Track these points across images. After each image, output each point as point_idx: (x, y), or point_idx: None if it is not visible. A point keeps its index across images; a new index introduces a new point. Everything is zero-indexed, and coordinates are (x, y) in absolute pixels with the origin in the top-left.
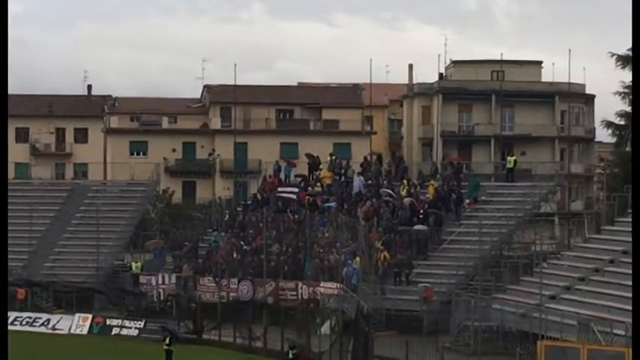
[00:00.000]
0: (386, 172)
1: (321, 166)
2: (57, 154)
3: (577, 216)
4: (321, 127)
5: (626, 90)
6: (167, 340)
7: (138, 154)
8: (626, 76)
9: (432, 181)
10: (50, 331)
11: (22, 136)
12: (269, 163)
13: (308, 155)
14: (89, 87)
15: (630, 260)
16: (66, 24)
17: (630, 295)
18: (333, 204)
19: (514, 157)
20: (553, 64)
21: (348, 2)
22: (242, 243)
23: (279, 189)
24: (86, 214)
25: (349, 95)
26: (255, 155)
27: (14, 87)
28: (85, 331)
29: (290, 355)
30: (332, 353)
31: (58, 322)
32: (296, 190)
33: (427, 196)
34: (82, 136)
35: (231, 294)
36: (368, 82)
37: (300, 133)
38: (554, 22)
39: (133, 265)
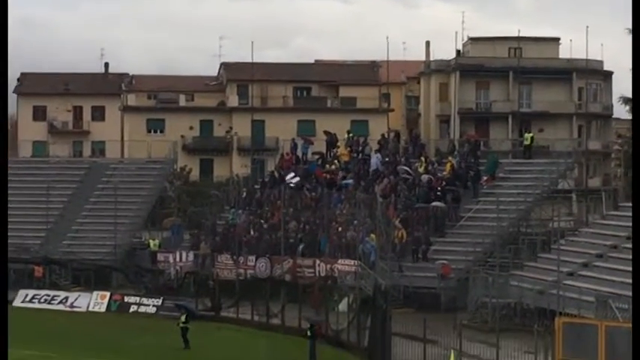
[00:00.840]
0: (403, 149)
1: (338, 144)
2: (74, 132)
3: (595, 192)
4: (339, 104)
5: None
6: (183, 318)
7: (155, 131)
8: None
9: (450, 158)
10: (68, 309)
11: (40, 114)
12: (286, 140)
13: (326, 133)
14: (106, 65)
15: None
16: (82, 1)
17: None
18: (350, 181)
19: (531, 134)
20: (570, 40)
21: None
22: (259, 220)
23: (287, 178)
24: (104, 192)
25: (366, 72)
26: (272, 133)
27: (31, 65)
28: (103, 308)
29: (309, 333)
30: (350, 330)
31: (76, 299)
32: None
33: (444, 173)
34: (99, 114)
35: (249, 271)
36: (385, 59)
37: (317, 110)
38: None
39: (151, 242)
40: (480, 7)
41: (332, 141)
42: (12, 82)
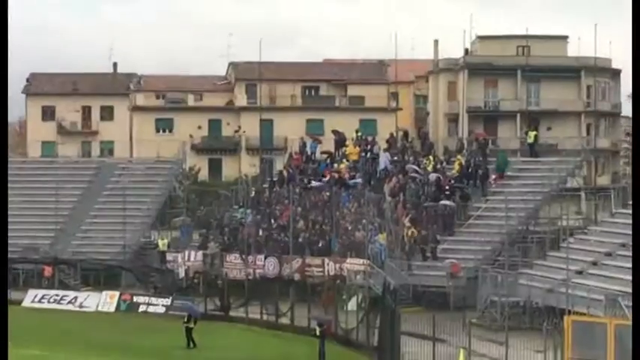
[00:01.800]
0: (411, 147)
1: (347, 143)
2: (83, 132)
3: (603, 191)
4: (347, 103)
5: None
6: (185, 318)
7: (164, 131)
8: None
9: (458, 157)
10: (77, 309)
11: (49, 114)
12: (295, 139)
13: (334, 132)
14: (115, 65)
15: None
16: (91, 2)
17: None
18: (359, 180)
19: (534, 132)
20: (579, 38)
21: None
22: (268, 220)
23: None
24: (113, 191)
25: (375, 71)
26: (280, 132)
27: (40, 65)
28: (112, 308)
29: (317, 332)
30: (359, 329)
31: (85, 299)
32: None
33: (453, 171)
34: (107, 114)
35: (258, 271)
36: (393, 58)
37: (325, 109)
38: None
39: (160, 242)
40: (488, 5)
41: (341, 140)
42: (21, 83)
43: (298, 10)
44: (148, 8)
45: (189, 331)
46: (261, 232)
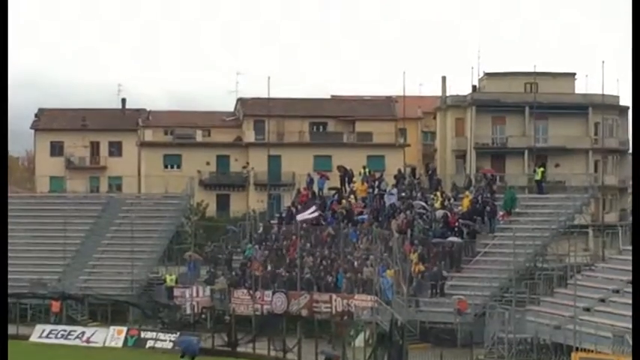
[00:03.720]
0: (419, 184)
1: (354, 179)
2: (91, 167)
3: (611, 228)
4: (355, 139)
5: None
6: (181, 354)
7: (172, 167)
8: None
9: (466, 193)
10: (85, 344)
11: (57, 149)
12: (303, 175)
13: (339, 168)
14: (123, 100)
15: None
16: (100, 37)
17: None
18: (366, 216)
19: (541, 169)
20: (586, 75)
21: (381, 12)
22: (276, 255)
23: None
24: (121, 227)
25: (382, 108)
26: (288, 168)
27: (49, 102)
28: (119, 343)
29: None
30: None
31: (92, 334)
32: (313, 209)
33: (461, 208)
34: (116, 149)
35: (266, 306)
36: (401, 94)
37: (333, 145)
38: (587, 33)
39: (168, 277)
40: (495, 42)
41: (347, 176)
42: (30, 118)
43: (306, 45)
44: (157, 44)
45: None
46: (268, 268)
